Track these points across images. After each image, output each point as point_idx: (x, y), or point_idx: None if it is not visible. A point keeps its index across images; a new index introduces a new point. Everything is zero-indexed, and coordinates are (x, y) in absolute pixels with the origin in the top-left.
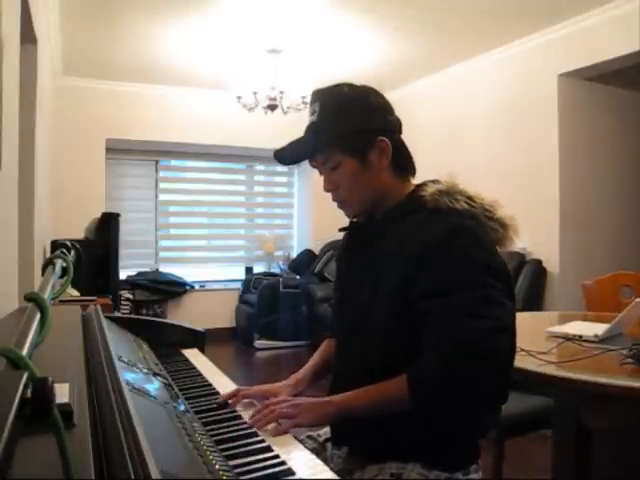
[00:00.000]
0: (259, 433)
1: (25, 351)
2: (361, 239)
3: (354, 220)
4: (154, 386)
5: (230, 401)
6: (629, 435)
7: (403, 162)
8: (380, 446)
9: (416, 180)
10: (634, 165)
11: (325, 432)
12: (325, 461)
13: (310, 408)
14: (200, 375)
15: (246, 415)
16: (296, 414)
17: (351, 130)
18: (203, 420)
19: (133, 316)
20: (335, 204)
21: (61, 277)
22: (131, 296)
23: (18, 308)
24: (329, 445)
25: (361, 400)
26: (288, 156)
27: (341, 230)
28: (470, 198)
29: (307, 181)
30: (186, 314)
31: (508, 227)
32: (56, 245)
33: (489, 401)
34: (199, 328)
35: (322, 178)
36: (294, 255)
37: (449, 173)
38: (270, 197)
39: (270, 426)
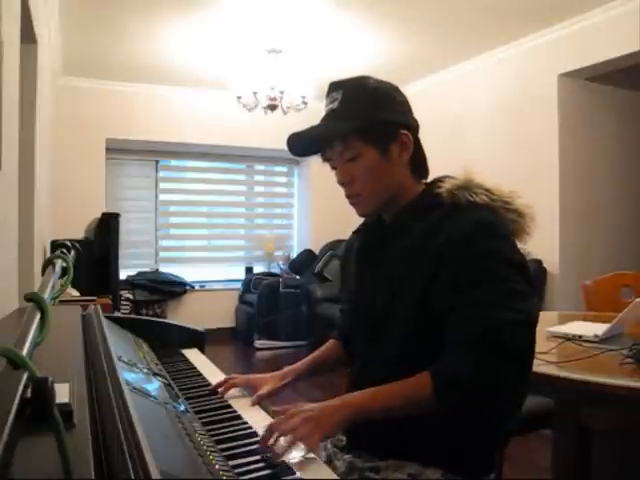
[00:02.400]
0: (258, 433)
1: (25, 351)
2: (376, 240)
3: (366, 222)
4: (154, 386)
5: (220, 389)
6: (629, 435)
7: (420, 162)
8: (399, 449)
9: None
10: (634, 165)
11: None
12: (329, 459)
13: (325, 416)
14: (200, 375)
15: (246, 415)
16: (313, 430)
17: (376, 120)
18: (203, 420)
19: (133, 316)
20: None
21: (61, 277)
22: (131, 296)
23: (18, 308)
24: (329, 445)
25: (381, 400)
26: (304, 143)
27: (355, 232)
28: (489, 191)
29: (307, 181)
30: (186, 314)
31: (525, 216)
32: (56, 245)
33: (514, 398)
34: (199, 328)
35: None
36: (294, 255)
37: (464, 167)
38: (270, 197)
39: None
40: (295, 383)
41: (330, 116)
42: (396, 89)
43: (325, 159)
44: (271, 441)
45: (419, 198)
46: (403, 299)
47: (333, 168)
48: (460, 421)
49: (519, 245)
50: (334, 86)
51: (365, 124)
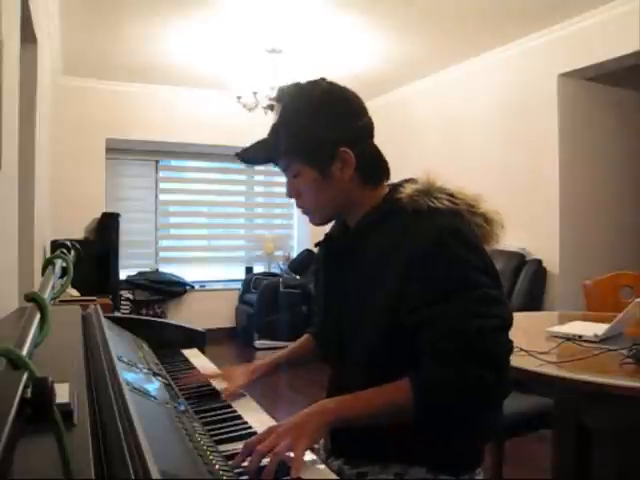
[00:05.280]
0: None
1: (25, 351)
2: (339, 252)
3: (328, 233)
4: (154, 386)
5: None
6: (629, 435)
7: (373, 170)
8: (383, 451)
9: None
10: (634, 165)
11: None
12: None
13: (305, 424)
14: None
15: (246, 415)
16: (295, 440)
17: (312, 139)
18: (203, 420)
19: (133, 316)
20: None
21: (61, 277)
22: (131, 296)
23: (18, 308)
24: (322, 450)
25: (359, 406)
26: (250, 157)
27: (317, 245)
28: (452, 195)
29: None
30: (186, 314)
31: (493, 222)
32: (56, 245)
33: (492, 402)
34: (199, 328)
35: None
36: (294, 255)
37: (425, 171)
38: (270, 197)
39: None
40: (265, 378)
41: (272, 131)
42: (340, 96)
43: (280, 170)
44: (248, 461)
45: (380, 204)
46: (369, 312)
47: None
48: (439, 423)
49: (486, 247)
50: (278, 95)
51: (300, 146)
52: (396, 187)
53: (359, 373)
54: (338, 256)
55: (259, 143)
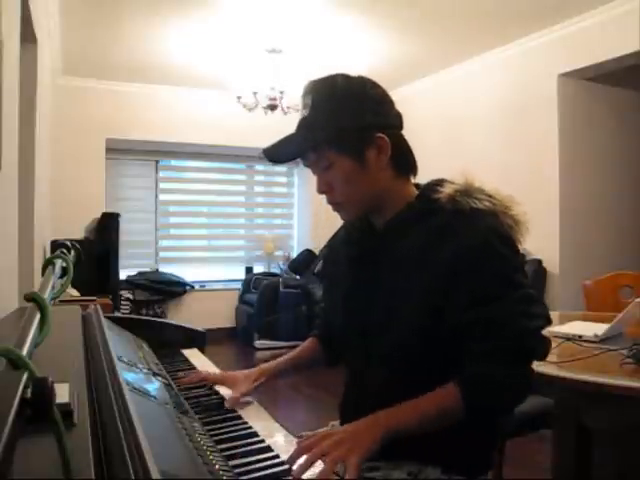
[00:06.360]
0: (259, 434)
1: (25, 351)
2: (370, 247)
3: (349, 231)
4: (154, 386)
5: (186, 380)
6: (629, 435)
7: (404, 160)
8: (398, 451)
9: (414, 180)
10: (634, 165)
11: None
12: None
13: (359, 436)
14: None
15: (246, 415)
16: (349, 451)
17: (346, 126)
18: (203, 420)
19: (133, 316)
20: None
21: (61, 277)
22: (131, 296)
23: (18, 308)
24: None
25: (411, 415)
26: (278, 154)
27: (335, 235)
28: (491, 196)
29: (307, 181)
30: (186, 314)
31: (521, 224)
32: (56, 245)
33: (525, 399)
34: (199, 328)
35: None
36: (294, 255)
37: (462, 171)
38: (270, 197)
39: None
40: (270, 383)
41: (301, 125)
42: (371, 84)
43: (306, 165)
44: (300, 462)
45: (415, 203)
46: (404, 314)
47: (315, 174)
48: (460, 422)
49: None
50: (306, 89)
51: (335, 133)
52: (431, 186)
53: (385, 372)
54: (365, 255)
55: (287, 139)
